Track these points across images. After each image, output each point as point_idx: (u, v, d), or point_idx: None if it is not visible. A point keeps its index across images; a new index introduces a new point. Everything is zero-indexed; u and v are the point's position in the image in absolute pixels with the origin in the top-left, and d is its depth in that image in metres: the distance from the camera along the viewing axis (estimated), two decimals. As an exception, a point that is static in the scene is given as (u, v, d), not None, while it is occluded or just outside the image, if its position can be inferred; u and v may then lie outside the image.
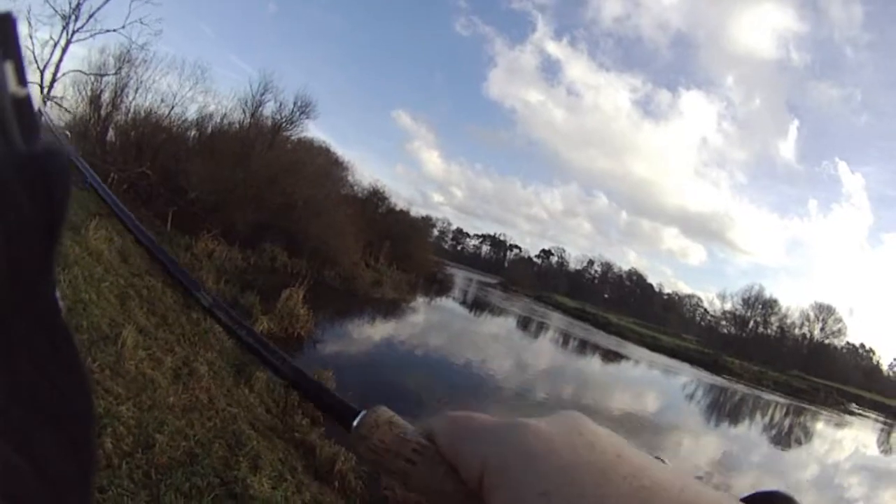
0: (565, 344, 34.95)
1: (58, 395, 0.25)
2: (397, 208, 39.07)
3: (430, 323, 24.24)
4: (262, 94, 26.96)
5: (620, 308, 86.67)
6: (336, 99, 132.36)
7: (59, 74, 20.97)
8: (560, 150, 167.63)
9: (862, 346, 76.46)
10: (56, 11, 20.01)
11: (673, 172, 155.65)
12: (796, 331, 73.01)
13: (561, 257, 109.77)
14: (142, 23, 21.87)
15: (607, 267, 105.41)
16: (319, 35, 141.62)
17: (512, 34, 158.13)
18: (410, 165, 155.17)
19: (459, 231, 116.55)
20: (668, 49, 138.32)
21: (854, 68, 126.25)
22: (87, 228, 10.25)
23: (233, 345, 9.21)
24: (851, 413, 47.04)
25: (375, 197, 36.18)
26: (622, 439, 0.30)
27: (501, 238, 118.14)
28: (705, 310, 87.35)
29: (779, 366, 59.64)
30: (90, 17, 20.76)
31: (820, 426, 33.72)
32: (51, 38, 20.30)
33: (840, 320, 72.56)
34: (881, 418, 47.84)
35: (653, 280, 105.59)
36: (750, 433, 24.07)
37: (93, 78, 21.84)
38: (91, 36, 21.27)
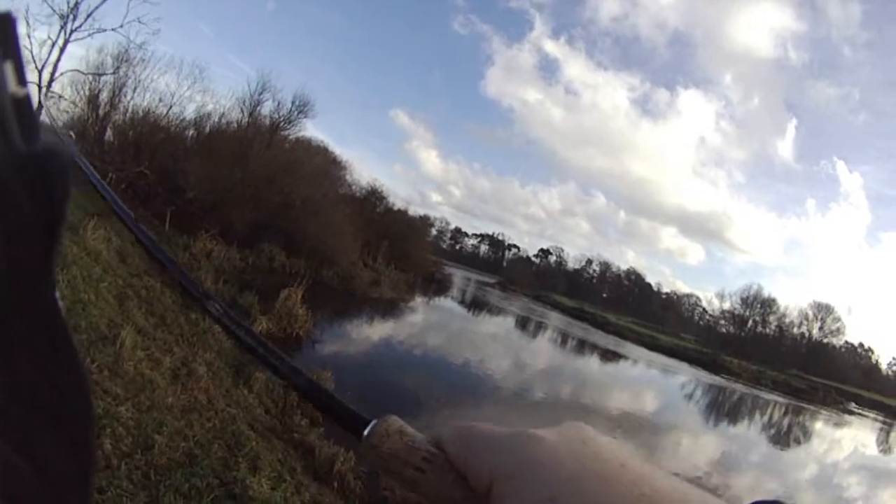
0: (564, 343, 34.97)
1: (58, 396, 0.25)
2: (395, 208, 39.11)
3: (429, 322, 24.24)
4: (261, 94, 26.96)
5: (619, 307, 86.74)
6: (334, 97, 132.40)
7: (57, 74, 20.92)
8: (558, 149, 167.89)
9: (861, 345, 76.78)
10: (54, 11, 19.96)
11: (671, 172, 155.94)
12: (795, 330, 73.22)
13: (559, 257, 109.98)
14: (140, 22, 21.81)
15: (606, 266, 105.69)
16: (318, 33, 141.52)
17: (510, 33, 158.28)
18: (408, 165, 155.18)
19: (458, 230, 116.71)
20: (665, 48, 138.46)
21: (852, 67, 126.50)
22: (85, 228, 10.22)
23: (231, 345, 9.19)
24: (850, 412, 47.15)
25: (373, 196, 36.18)
26: (626, 449, 0.31)
27: (500, 237, 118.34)
28: (704, 309, 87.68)
29: (777, 365, 59.74)
30: (88, 16, 20.69)
31: (819, 425, 33.78)
32: (49, 37, 20.24)
33: (839, 319, 72.79)
34: (880, 417, 47.98)
35: (651, 279, 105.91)
36: (748, 433, 24.11)
37: (91, 77, 21.79)
38: (89, 35, 21.20)
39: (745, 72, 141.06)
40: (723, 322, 77.26)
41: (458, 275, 62.89)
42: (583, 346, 35.61)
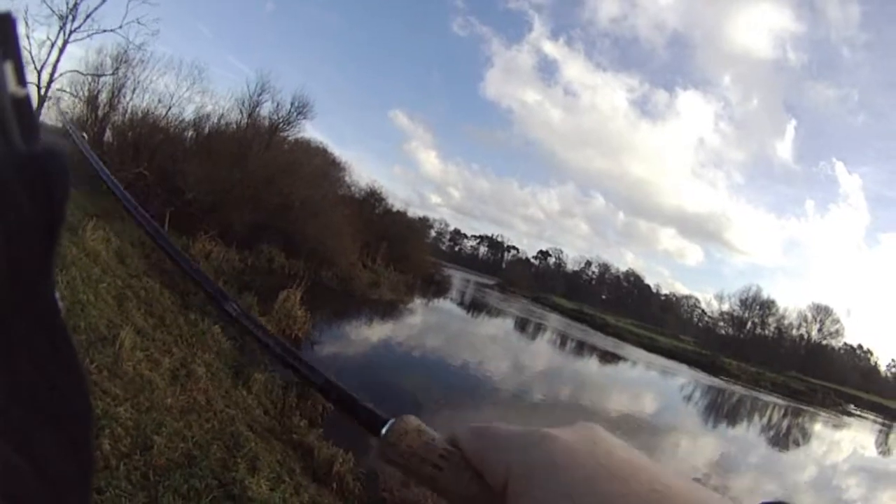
0: (563, 345, 34.97)
1: (57, 396, 0.25)
2: (394, 209, 39.18)
3: (428, 324, 24.23)
4: (260, 95, 26.97)
5: (618, 309, 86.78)
6: (333, 98, 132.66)
7: (56, 75, 20.96)
8: (557, 150, 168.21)
9: (860, 346, 76.87)
10: (53, 11, 20.01)
11: (670, 173, 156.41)
12: (794, 332, 73.22)
13: (558, 258, 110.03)
14: (139, 23, 21.87)
15: (605, 268, 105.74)
16: (317, 34, 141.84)
17: (509, 34, 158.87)
18: (408, 166, 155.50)
19: (457, 232, 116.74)
20: (664, 49, 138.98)
21: (851, 68, 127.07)
22: (84, 229, 10.23)
23: (230, 346, 9.21)
24: (849, 414, 47.15)
25: (373, 198, 36.24)
26: (634, 449, 0.33)
27: (499, 239, 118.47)
28: (703, 311, 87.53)
29: (776, 367, 59.74)
30: (87, 17, 20.74)
31: (818, 427, 33.78)
32: (48, 38, 20.28)
33: (838, 321, 72.77)
34: (879, 419, 47.96)
35: (650, 281, 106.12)
36: (748, 434, 24.09)
37: (90, 78, 21.78)
38: (88, 36, 21.25)
39: (744, 73, 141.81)
40: (722, 324, 77.29)
41: (457, 276, 62.91)
42: (582, 348, 35.59)
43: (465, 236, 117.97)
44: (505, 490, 0.33)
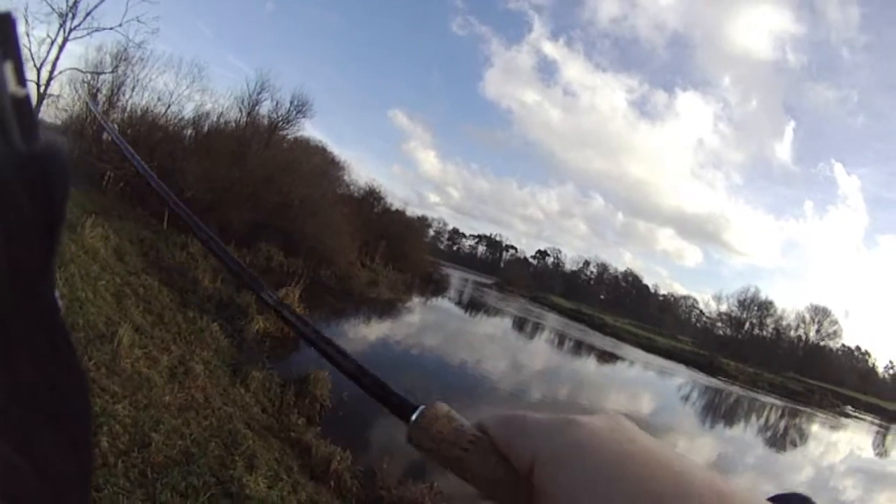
0: (561, 345, 35.00)
1: (57, 395, 0.25)
2: (393, 208, 39.24)
3: (426, 323, 24.24)
4: (259, 93, 27.02)
5: (616, 309, 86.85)
6: (333, 98, 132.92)
7: (55, 72, 20.96)
8: (556, 150, 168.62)
9: (857, 348, 77.08)
10: (53, 9, 20.01)
11: (669, 173, 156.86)
12: (792, 333, 73.35)
13: (557, 258, 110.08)
14: (139, 21, 21.90)
15: (603, 268, 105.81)
16: (317, 33, 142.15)
17: (508, 34, 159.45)
18: (407, 165, 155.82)
19: (455, 231, 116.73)
20: (664, 49, 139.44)
21: (850, 70, 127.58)
22: (82, 226, 10.22)
23: (228, 344, 9.21)
24: (847, 415, 47.20)
25: (371, 197, 36.25)
26: (651, 436, 0.34)
27: (497, 239, 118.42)
28: (701, 311, 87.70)
29: (774, 368, 59.85)
30: (87, 14, 20.75)
31: (815, 428, 33.81)
32: (48, 35, 20.30)
33: (835, 322, 72.89)
34: (877, 421, 48.02)
35: (648, 281, 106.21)
36: (745, 435, 24.12)
37: (89, 76, 21.81)
38: (88, 34, 21.26)
39: (743, 74, 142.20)
40: (720, 324, 77.46)
41: (455, 275, 62.90)
42: (580, 348, 35.62)
43: (464, 236, 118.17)
44: (531, 474, 0.34)
